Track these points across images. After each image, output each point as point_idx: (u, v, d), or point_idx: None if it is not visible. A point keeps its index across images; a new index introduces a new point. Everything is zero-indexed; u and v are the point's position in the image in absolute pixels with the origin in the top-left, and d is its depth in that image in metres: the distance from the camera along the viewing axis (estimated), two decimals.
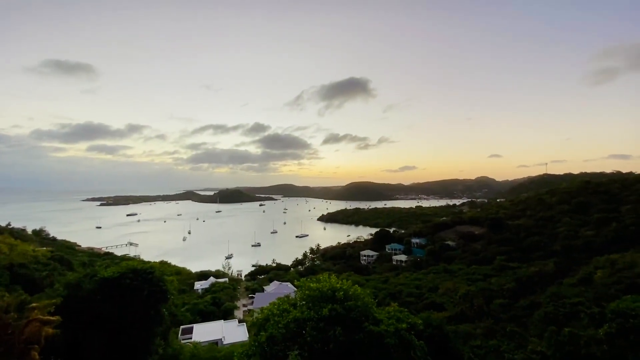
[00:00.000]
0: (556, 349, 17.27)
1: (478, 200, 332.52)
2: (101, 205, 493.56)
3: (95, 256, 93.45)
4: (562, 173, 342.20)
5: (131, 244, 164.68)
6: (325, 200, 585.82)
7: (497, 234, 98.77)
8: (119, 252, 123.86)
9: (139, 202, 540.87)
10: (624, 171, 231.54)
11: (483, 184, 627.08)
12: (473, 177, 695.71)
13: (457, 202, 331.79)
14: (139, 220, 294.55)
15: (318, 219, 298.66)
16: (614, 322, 14.54)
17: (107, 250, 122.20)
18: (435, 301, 49.41)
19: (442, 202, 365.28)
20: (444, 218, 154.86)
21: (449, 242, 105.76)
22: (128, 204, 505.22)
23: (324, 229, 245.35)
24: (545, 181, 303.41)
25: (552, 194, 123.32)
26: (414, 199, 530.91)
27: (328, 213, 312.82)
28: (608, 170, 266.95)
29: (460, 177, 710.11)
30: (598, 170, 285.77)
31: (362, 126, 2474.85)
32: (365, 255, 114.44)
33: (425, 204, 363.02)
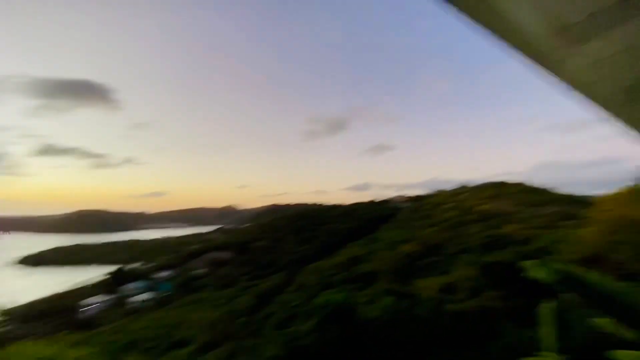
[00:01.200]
0: (284, 348, 20.85)
1: (228, 226, 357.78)
2: None
3: None
4: (288, 202, 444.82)
5: None
6: (34, 234, 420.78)
7: (243, 257, 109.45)
8: None
9: None
10: (321, 201, 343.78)
11: (232, 211, 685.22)
12: (223, 205, 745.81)
13: (209, 229, 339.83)
14: None
15: (19, 263, 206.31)
16: (319, 313, 19.70)
17: None
18: (183, 337, 46.38)
19: (193, 230, 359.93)
20: (194, 246, 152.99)
21: (199, 271, 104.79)
22: None
23: (27, 277, 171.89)
24: (279, 209, 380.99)
25: (282, 219, 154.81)
26: (164, 227, 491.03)
27: (38, 252, 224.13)
28: (313, 201, 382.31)
29: (211, 205, 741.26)
30: (308, 201, 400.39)
31: (100, 141, 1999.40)
32: (91, 304, 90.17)
33: (176, 233, 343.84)
